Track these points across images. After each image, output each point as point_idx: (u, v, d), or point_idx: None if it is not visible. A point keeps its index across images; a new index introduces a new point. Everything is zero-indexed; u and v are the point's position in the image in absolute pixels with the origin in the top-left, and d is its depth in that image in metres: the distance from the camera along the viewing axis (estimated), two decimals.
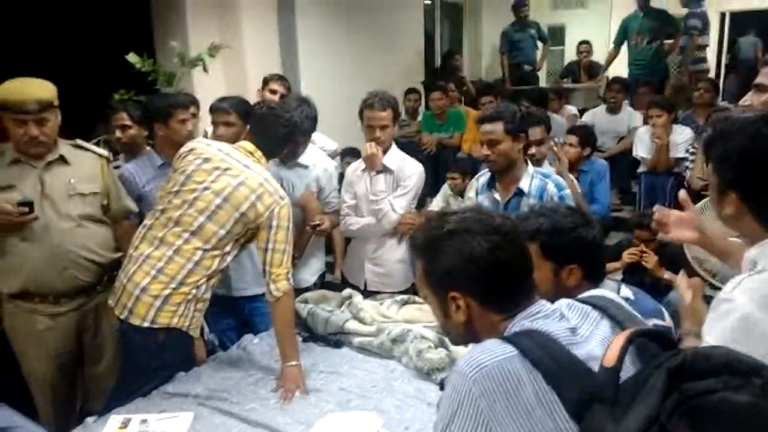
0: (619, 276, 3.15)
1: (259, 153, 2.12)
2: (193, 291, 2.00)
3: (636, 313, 1.22)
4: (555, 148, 3.32)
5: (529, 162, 2.50)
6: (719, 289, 1.15)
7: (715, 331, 1.08)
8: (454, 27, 8.26)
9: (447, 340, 2.07)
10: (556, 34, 8.90)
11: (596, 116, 5.31)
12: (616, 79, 5.49)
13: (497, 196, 2.45)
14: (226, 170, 2.04)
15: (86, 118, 3.31)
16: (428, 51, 7.36)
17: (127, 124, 2.89)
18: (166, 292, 1.97)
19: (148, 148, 2.87)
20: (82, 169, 2.25)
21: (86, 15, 4.15)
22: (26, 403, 2.18)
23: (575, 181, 3.08)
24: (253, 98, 3.02)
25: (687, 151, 4.17)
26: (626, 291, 1.81)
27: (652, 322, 1.65)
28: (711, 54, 7.53)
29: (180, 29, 4.32)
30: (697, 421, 0.79)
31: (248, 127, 2.28)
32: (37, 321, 2.20)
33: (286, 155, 2.47)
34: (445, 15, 7.98)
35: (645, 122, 4.71)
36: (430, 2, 7.50)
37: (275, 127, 2.17)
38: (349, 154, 4.15)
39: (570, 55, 8.53)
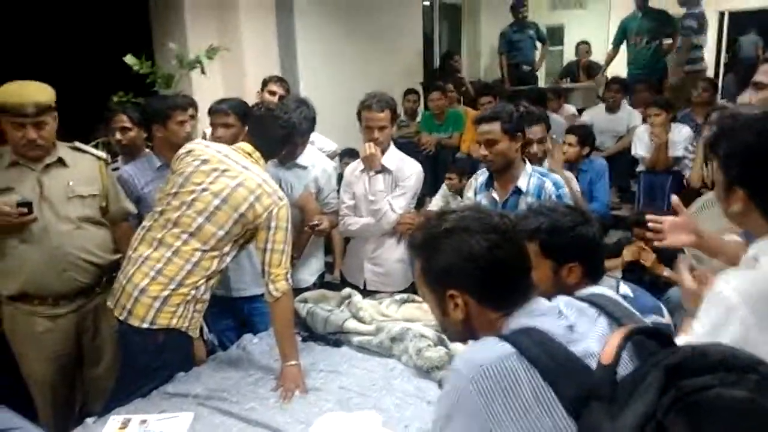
0: (618, 274, 3.16)
1: (257, 154, 2.12)
2: (192, 292, 2.01)
3: (634, 310, 1.22)
4: (549, 146, 3.31)
5: (527, 161, 2.50)
6: None
7: (703, 318, 1.11)
8: (452, 28, 8.27)
9: (446, 339, 2.07)
10: (555, 35, 8.90)
11: (595, 116, 5.32)
12: (615, 79, 5.50)
13: (495, 195, 2.46)
14: (225, 171, 2.04)
15: (85, 120, 3.31)
16: (427, 52, 7.36)
17: (126, 126, 2.90)
18: (165, 293, 1.97)
19: (146, 150, 2.87)
20: (81, 171, 2.25)
21: (85, 16, 4.15)
22: (26, 405, 2.18)
23: (572, 179, 3.08)
24: (251, 100, 3.03)
25: (686, 149, 4.17)
26: (625, 288, 1.81)
27: (651, 319, 1.66)
28: (710, 53, 7.53)
29: (178, 31, 4.33)
30: (693, 418, 0.79)
31: (247, 128, 2.29)
32: (36, 323, 2.20)
33: (285, 156, 2.47)
34: (444, 16, 7.99)
35: (644, 121, 4.72)
36: (428, 3, 7.50)
37: (273, 128, 2.17)
38: (348, 154, 4.16)
39: (569, 55, 8.54)
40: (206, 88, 3.84)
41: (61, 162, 2.21)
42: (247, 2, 4.64)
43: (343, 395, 1.96)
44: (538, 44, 7.16)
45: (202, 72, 3.54)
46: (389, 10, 6.15)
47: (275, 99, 3.25)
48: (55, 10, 4.09)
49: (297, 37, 5.08)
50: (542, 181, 2.40)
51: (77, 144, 2.33)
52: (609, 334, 1.04)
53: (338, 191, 2.86)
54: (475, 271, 1.09)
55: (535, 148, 2.96)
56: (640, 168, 4.51)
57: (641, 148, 4.43)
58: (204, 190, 2.02)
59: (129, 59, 3.27)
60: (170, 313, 1.98)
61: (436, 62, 7.61)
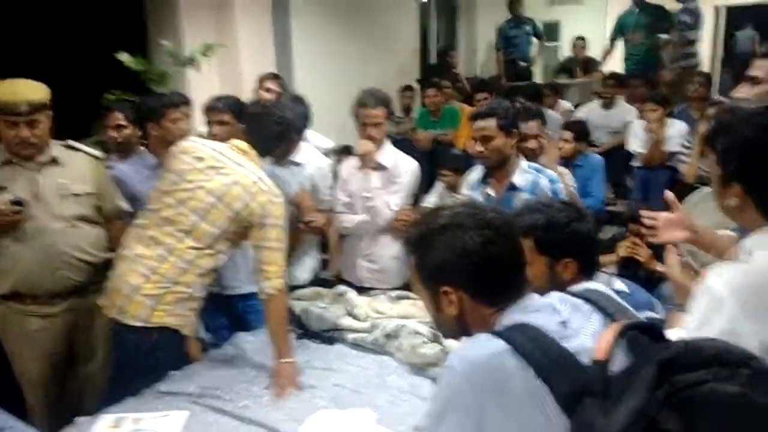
0: (613, 269, 3.16)
1: (252, 151, 2.11)
2: (187, 290, 2.00)
3: (628, 305, 1.22)
4: (543, 141, 3.30)
5: (522, 157, 2.50)
6: None
7: (694, 311, 1.11)
8: (449, 24, 8.25)
9: (441, 335, 2.07)
10: (552, 30, 8.89)
11: (590, 111, 5.32)
12: (611, 75, 5.50)
13: (490, 191, 2.46)
14: (220, 169, 2.03)
15: (79, 118, 3.29)
16: (423, 48, 7.35)
17: (122, 123, 2.88)
18: (159, 291, 1.97)
19: (141, 148, 2.86)
20: (75, 169, 2.24)
21: (79, 14, 4.13)
22: (18, 404, 2.17)
23: (567, 175, 3.08)
24: (247, 97, 3.02)
25: (681, 145, 4.17)
26: (620, 284, 1.82)
27: (645, 315, 1.66)
28: (706, 48, 7.54)
29: (173, 28, 4.31)
30: (686, 413, 0.79)
31: (242, 126, 2.28)
32: (29, 322, 2.19)
33: (280, 153, 2.46)
34: (440, 12, 7.97)
35: (639, 117, 4.72)
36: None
37: (269, 125, 2.16)
38: (344, 152, 4.14)
39: (565, 51, 8.53)
40: (202, 86, 3.83)
41: (55, 161, 2.20)
42: (243, 0, 4.62)
43: (338, 392, 1.96)
44: (535, 40, 7.15)
45: (197, 69, 3.52)
46: (385, 7, 6.14)
47: (272, 96, 3.24)
48: (48, 7, 4.07)
49: (293, 34, 5.06)
50: (537, 177, 2.41)
51: (71, 142, 2.32)
52: (602, 330, 1.04)
53: (333, 188, 2.85)
54: (469, 267, 1.09)
55: (531, 143, 2.96)
56: (635, 163, 4.52)
57: (636, 143, 4.43)
58: (199, 188, 2.01)
59: (122, 56, 3.25)
60: (164, 311, 1.97)
61: (433, 58, 7.59)
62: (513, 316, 1.08)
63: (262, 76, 3.55)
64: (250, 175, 2.03)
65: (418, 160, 2.82)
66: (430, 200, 3.87)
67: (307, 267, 2.88)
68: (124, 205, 2.44)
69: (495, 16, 7.44)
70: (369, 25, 5.99)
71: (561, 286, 1.30)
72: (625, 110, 5.17)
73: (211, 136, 2.48)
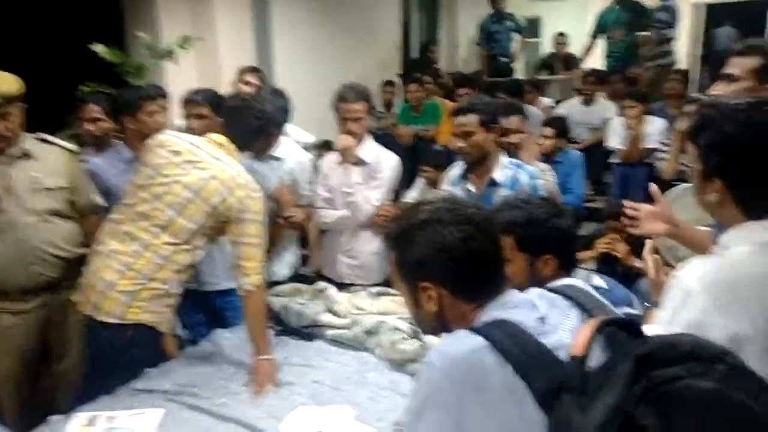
0: (592, 265, 3.19)
1: (231, 146, 2.09)
2: (163, 287, 1.97)
3: (606, 301, 1.22)
4: (523, 136, 3.32)
5: (502, 153, 2.50)
6: None
7: (665, 304, 1.11)
8: (430, 18, 8.25)
9: (421, 332, 2.06)
10: (533, 26, 8.93)
11: (571, 108, 5.36)
12: (591, 71, 5.54)
13: (471, 187, 2.46)
14: (197, 163, 2.00)
15: (52, 111, 3.22)
16: (405, 43, 7.34)
17: (98, 116, 2.83)
18: (135, 288, 1.93)
19: (117, 141, 2.81)
20: (48, 163, 2.19)
21: (53, 4, 4.04)
22: None
23: (547, 170, 3.10)
24: (226, 90, 2.98)
25: (659, 142, 4.22)
26: (599, 280, 1.83)
27: (624, 311, 1.67)
28: (684, 46, 7.62)
29: (151, 20, 4.25)
30: (663, 408, 0.79)
31: (220, 119, 2.24)
32: (1, 318, 2.14)
33: (260, 148, 2.43)
34: (422, 6, 7.96)
35: (619, 114, 4.76)
36: None
37: (248, 119, 2.14)
38: (324, 146, 4.12)
39: (546, 47, 8.58)
40: (180, 79, 3.77)
41: (27, 154, 2.15)
42: None
43: (317, 389, 1.94)
44: (516, 36, 7.18)
45: (174, 62, 3.47)
46: (366, 1, 6.11)
47: (251, 90, 3.20)
48: None
49: (273, 27, 5.02)
50: (517, 173, 2.41)
51: (44, 135, 2.27)
52: (580, 326, 1.04)
53: (313, 183, 2.83)
54: (449, 262, 1.08)
55: (513, 138, 2.97)
56: (614, 160, 4.56)
57: (615, 140, 4.48)
58: (175, 182, 1.98)
59: (97, 47, 3.19)
60: (140, 308, 1.94)
61: (414, 53, 7.58)
62: (492, 312, 1.07)
63: (241, 69, 3.51)
64: (228, 169, 2.00)
65: (399, 156, 2.81)
66: (411, 196, 3.87)
67: (286, 263, 2.86)
68: (99, 200, 2.39)
69: (477, 12, 7.45)
70: (350, 19, 5.96)
71: (541, 283, 1.31)
72: (605, 107, 5.22)
73: (189, 130, 2.45)
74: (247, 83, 3.40)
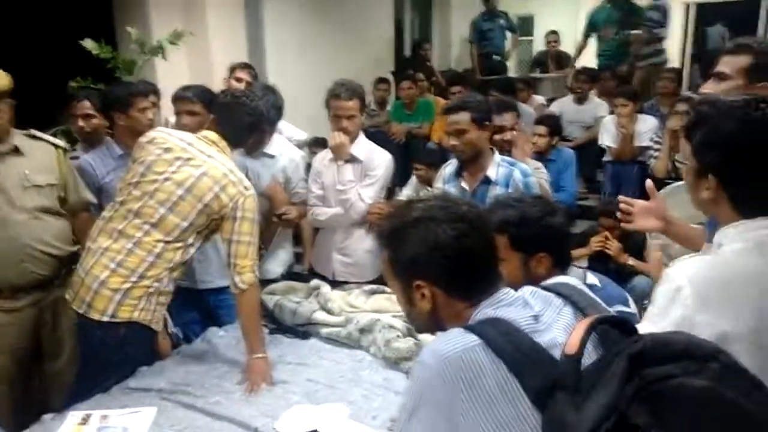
0: (584, 263, 3.20)
1: (223, 143, 2.07)
2: (155, 284, 1.96)
3: (599, 299, 1.23)
4: (516, 134, 3.32)
5: (495, 150, 2.50)
6: None
7: (655, 302, 1.12)
8: (423, 16, 8.24)
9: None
10: (526, 25, 8.95)
11: (563, 106, 5.38)
12: (583, 70, 5.55)
13: (464, 184, 2.46)
14: (189, 160, 1.99)
15: (42, 107, 3.19)
16: (398, 40, 7.33)
17: (90, 113, 2.81)
18: (127, 285, 1.92)
19: (107, 138, 2.79)
20: (38, 159, 2.17)
21: None
22: None
23: (540, 168, 3.10)
24: (218, 87, 2.96)
25: (651, 140, 4.24)
26: (593, 278, 1.83)
27: (618, 309, 1.68)
28: (676, 44, 7.66)
29: (141, 16, 4.22)
30: (656, 407, 0.79)
31: (212, 116, 2.23)
32: None
33: (252, 145, 2.42)
34: (415, 4, 7.95)
35: (611, 112, 4.78)
36: None
37: (240, 116, 2.12)
38: (317, 144, 4.11)
39: (539, 45, 8.59)
40: (171, 76, 3.75)
41: (16, 150, 2.12)
42: None
43: (311, 387, 1.94)
44: (509, 34, 7.18)
45: (163, 57, 3.45)
46: None
47: (242, 86, 3.19)
48: None
49: (265, 24, 4.99)
50: (510, 170, 2.42)
51: (33, 132, 2.24)
52: (574, 324, 1.05)
53: (307, 181, 2.82)
54: (442, 260, 1.08)
55: (507, 135, 2.97)
56: (607, 158, 4.58)
57: (608, 138, 4.50)
58: (167, 179, 1.97)
59: (87, 43, 3.16)
60: (132, 306, 1.93)
61: (407, 51, 7.57)
62: (486, 310, 1.07)
63: (232, 65, 3.50)
64: (219, 166, 1.99)
65: (392, 153, 2.81)
66: (405, 193, 3.86)
67: (280, 261, 2.86)
68: (90, 197, 2.38)
69: (469, 10, 7.45)
70: (343, 15, 5.94)
71: (535, 282, 1.31)
72: (597, 105, 5.24)
73: (181, 127, 2.43)
74: (238, 79, 3.38)
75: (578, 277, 1.62)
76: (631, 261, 3.14)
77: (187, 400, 1.87)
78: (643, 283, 2.97)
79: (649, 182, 1.67)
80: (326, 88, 2.65)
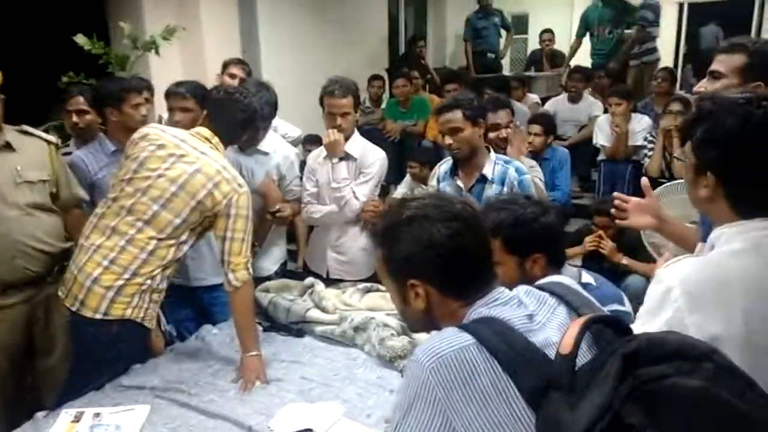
0: (578, 262, 3.21)
1: (216, 139, 2.06)
2: (148, 282, 1.95)
3: (593, 299, 1.22)
4: (510, 132, 3.32)
5: (491, 149, 2.50)
6: None
7: (645, 303, 1.11)
8: (418, 13, 8.23)
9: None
10: (520, 23, 8.95)
11: (558, 105, 5.39)
12: (577, 69, 5.56)
13: (460, 183, 2.45)
14: (182, 157, 1.98)
15: (34, 102, 3.17)
16: (392, 37, 7.31)
17: (84, 108, 2.79)
18: (119, 283, 1.91)
19: (100, 134, 2.77)
20: (29, 155, 2.16)
21: None
22: None
23: (535, 167, 3.11)
24: (211, 83, 2.95)
25: (645, 139, 4.26)
26: (588, 277, 1.83)
27: (612, 308, 1.68)
28: (669, 44, 7.69)
29: (134, 11, 4.20)
30: (650, 406, 0.79)
31: (205, 112, 2.22)
32: None
33: (246, 142, 2.41)
34: (410, 1, 7.94)
35: (605, 111, 4.79)
36: None
37: (233, 112, 2.11)
38: (311, 141, 4.10)
39: (533, 43, 8.60)
40: (164, 71, 3.73)
41: (8, 146, 2.11)
42: None
43: (305, 386, 1.94)
44: (503, 32, 7.19)
45: (157, 53, 3.42)
46: None
47: (236, 82, 3.17)
48: None
49: (259, 20, 4.98)
50: (506, 168, 2.42)
51: (25, 127, 2.23)
52: (568, 324, 1.05)
53: (301, 178, 2.81)
54: (436, 259, 1.07)
55: (503, 133, 2.97)
56: (601, 157, 4.59)
57: (602, 137, 4.51)
58: (160, 176, 1.96)
59: (79, 38, 3.14)
60: (124, 303, 1.92)
61: (402, 48, 7.56)
62: (480, 309, 1.07)
63: (226, 61, 3.48)
64: (213, 163, 1.98)
65: (386, 151, 2.80)
66: (400, 191, 3.86)
67: (274, 258, 2.85)
68: (82, 193, 2.36)
69: (464, 7, 7.45)
70: (338, 12, 5.92)
71: (531, 282, 1.31)
72: (591, 104, 5.25)
73: (173, 123, 2.42)
74: (232, 76, 3.37)
75: (573, 276, 1.62)
76: (625, 260, 3.15)
77: (180, 398, 1.86)
78: (637, 283, 2.99)
79: (644, 180, 1.67)
80: (321, 85, 2.64)
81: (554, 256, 1.59)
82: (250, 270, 2.03)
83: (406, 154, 4.48)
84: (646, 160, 4.12)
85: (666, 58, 6.71)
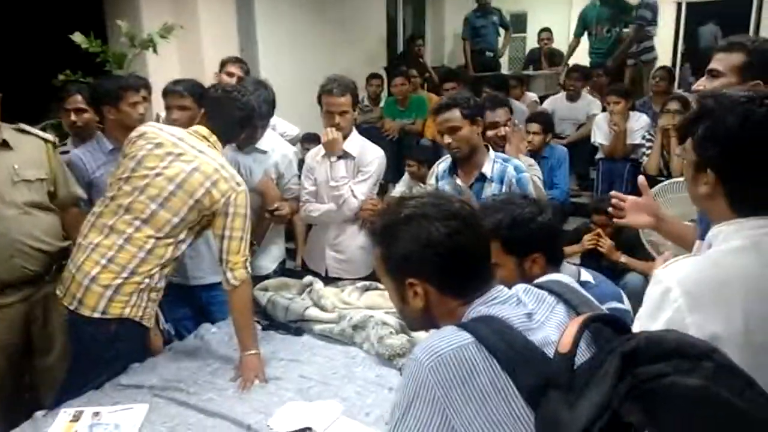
0: (577, 260, 3.21)
1: (214, 138, 2.06)
2: (146, 280, 1.94)
3: (592, 297, 1.22)
4: (508, 129, 3.32)
5: (489, 147, 2.50)
6: None
7: (644, 303, 1.11)
8: (416, 12, 8.23)
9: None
10: (519, 21, 8.95)
11: (556, 103, 5.39)
12: (575, 67, 5.56)
13: (459, 181, 2.45)
14: (179, 155, 1.98)
15: (31, 101, 3.16)
16: (391, 36, 7.30)
17: (82, 107, 2.78)
18: (117, 281, 1.91)
19: (98, 132, 2.76)
20: (27, 154, 2.15)
21: None
22: None
23: (533, 165, 3.11)
24: (209, 82, 2.94)
25: (643, 137, 4.26)
26: (587, 275, 1.83)
27: (611, 306, 1.68)
28: (667, 43, 7.70)
29: (132, 9, 4.19)
30: (649, 405, 0.79)
31: (203, 111, 2.21)
32: None
33: (244, 140, 2.41)
34: (408, 0, 7.93)
35: (603, 110, 4.80)
36: None
37: (231, 110, 2.10)
38: (309, 139, 4.10)
39: (532, 42, 8.60)
40: (162, 70, 3.73)
41: (5, 144, 2.10)
42: None
43: (304, 384, 1.94)
44: (502, 31, 7.18)
45: (154, 51, 3.42)
46: None
47: (233, 80, 3.17)
48: None
49: (257, 18, 4.97)
50: (505, 167, 2.42)
51: (22, 125, 2.22)
52: (567, 322, 1.05)
53: (299, 177, 2.81)
54: (435, 257, 1.07)
55: (501, 131, 2.97)
56: (599, 155, 4.59)
57: (600, 136, 4.51)
58: (158, 174, 1.95)
59: (76, 37, 3.13)
60: (123, 302, 1.92)
61: (400, 47, 7.55)
62: (479, 308, 1.07)
63: (224, 60, 3.48)
64: (211, 162, 1.98)
65: (385, 149, 2.80)
66: (398, 190, 3.86)
67: (272, 257, 2.84)
68: (80, 192, 2.35)
69: (462, 6, 7.44)
70: (336, 10, 5.92)
71: (530, 281, 1.31)
72: (590, 103, 5.25)
73: (171, 121, 2.41)
74: (230, 74, 3.36)
75: (572, 274, 1.62)
76: (623, 258, 3.16)
77: (179, 396, 1.86)
78: (636, 281, 2.99)
79: (641, 178, 1.67)
80: (318, 84, 2.63)
81: (552, 255, 1.59)
82: (249, 269, 2.03)
83: (404, 153, 4.48)
84: (645, 158, 4.12)
85: (664, 57, 6.72)
